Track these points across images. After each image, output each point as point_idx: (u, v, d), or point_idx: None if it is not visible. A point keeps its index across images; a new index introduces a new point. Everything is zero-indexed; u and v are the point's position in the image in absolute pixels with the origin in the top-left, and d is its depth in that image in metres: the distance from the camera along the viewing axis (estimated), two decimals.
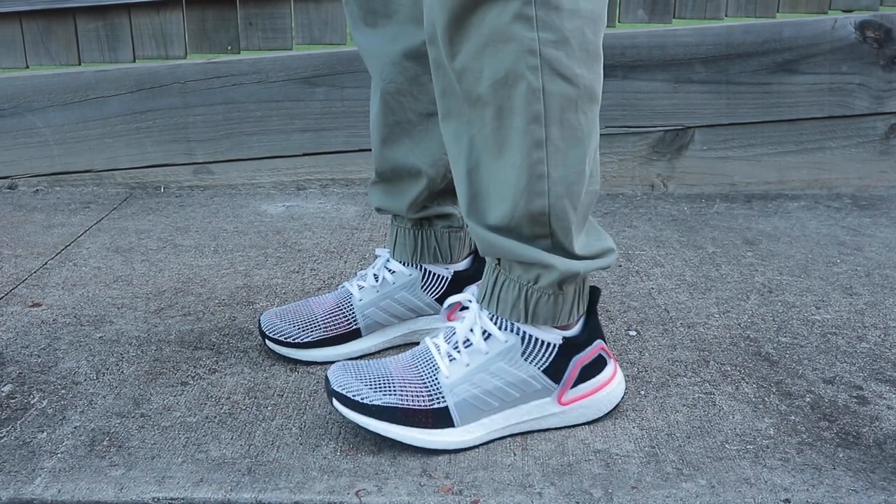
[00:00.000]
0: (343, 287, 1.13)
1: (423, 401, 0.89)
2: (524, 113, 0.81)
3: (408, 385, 0.90)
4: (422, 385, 0.90)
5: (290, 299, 1.29)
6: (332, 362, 1.09)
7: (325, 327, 1.09)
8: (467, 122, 0.86)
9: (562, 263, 0.87)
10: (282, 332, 1.08)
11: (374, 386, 0.90)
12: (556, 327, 0.92)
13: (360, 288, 1.10)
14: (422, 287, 1.11)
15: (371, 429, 0.88)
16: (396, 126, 1.05)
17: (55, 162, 1.89)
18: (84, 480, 0.85)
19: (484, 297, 0.93)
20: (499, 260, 0.91)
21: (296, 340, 1.08)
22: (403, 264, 1.11)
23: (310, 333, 1.08)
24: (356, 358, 1.10)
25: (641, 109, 1.83)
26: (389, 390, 0.89)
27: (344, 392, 0.89)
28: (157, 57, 1.88)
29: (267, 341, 1.09)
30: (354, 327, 1.10)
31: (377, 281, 1.10)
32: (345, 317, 1.09)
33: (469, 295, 0.95)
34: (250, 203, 1.81)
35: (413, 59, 1.01)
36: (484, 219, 0.88)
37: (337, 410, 0.90)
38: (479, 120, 0.84)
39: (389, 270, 1.10)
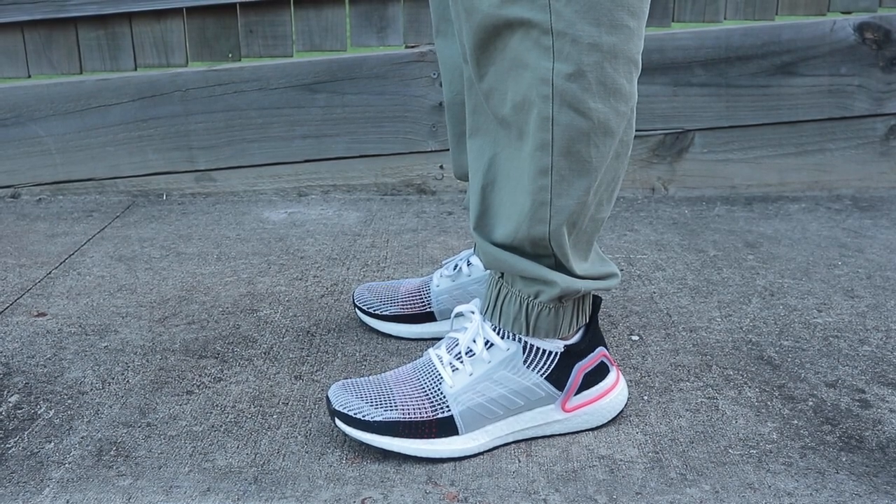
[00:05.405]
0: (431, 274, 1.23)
1: (426, 412, 0.90)
2: (533, 139, 0.82)
3: (409, 398, 0.91)
4: (424, 397, 0.91)
5: (294, 307, 1.30)
6: (407, 339, 1.19)
7: (403, 305, 1.18)
8: (493, 141, 0.87)
9: (563, 280, 0.88)
10: (366, 302, 1.21)
11: (374, 402, 0.90)
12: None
13: (441, 276, 1.19)
14: None
15: (375, 445, 0.89)
16: (463, 136, 1.09)
17: (58, 171, 1.90)
18: (92, 490, 0.86)
19: (486, 309, 0.94)
20: (502, 273, 0.92)
21: (375, 311, 1.19)
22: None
23: (388, 308, 1.18)
24: (429, 339, 1.18)
25: (641, 113, 1.83)
26: (390, 405, 0.90)
27: (345, 411, 0.90)
28: (159, 65, 1.89)
29: (356, 309, 1.23)
30: (428, 310, 1.17)
31: (455, 271, 1.18)
32: (421, 299, 1.18)
33: (472, 306, 0.96)
34: (252, 210, 1.81)
35: None
36: (490, 235, 0.90)
37: (340, 430, 0.91)
38: (506, 139, 0.86)
39: (468, 264, 1.18)
